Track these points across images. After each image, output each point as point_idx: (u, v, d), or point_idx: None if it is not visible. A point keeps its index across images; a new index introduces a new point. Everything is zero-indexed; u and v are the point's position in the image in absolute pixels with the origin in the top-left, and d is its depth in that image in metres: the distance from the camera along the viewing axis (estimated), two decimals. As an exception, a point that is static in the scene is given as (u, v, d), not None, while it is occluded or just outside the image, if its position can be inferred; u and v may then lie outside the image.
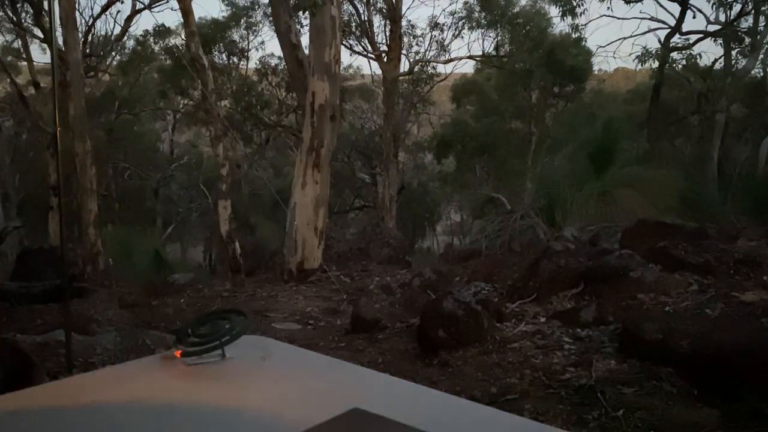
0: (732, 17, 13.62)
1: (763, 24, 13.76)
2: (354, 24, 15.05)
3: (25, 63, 15.97)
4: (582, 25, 14.63)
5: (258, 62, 17.86)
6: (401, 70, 15.32)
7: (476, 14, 15.31)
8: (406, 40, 15.68)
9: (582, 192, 7.22)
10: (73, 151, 8.43)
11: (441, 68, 16.59)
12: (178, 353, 1.20)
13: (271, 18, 13.22)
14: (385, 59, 14.71)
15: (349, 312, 5.58)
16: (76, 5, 11.03)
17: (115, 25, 16.24)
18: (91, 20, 15.44)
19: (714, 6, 13.37)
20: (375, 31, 15.17)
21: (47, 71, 15.17)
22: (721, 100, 13.52)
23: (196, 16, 9.38)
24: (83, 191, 8.69)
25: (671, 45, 13.86)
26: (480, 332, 4.23)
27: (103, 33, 16.51)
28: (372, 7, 15.07)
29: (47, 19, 12.58)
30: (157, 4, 15.35)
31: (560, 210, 7.20)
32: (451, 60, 16.09)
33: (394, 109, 15.03)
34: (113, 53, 17.38)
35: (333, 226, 11.94)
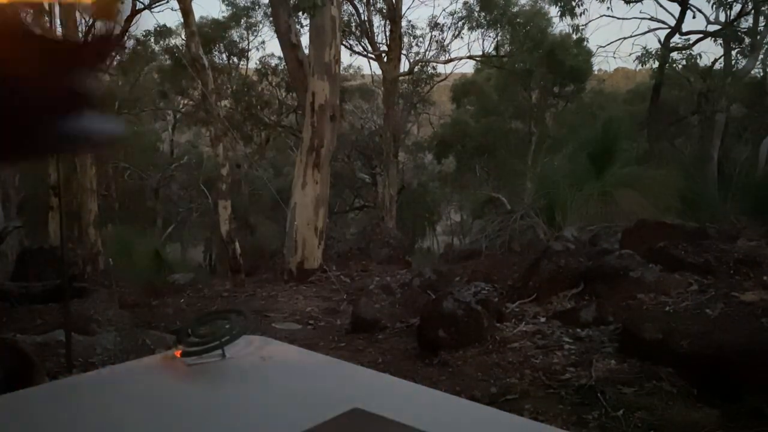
0: (732, 17, 13.62)
1: (763, 24, 13.77)
2: (354, 24, 15.05)
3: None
4: (582, 25, 14.65)
5: (258, 62, 17.88)
6: (401, 70, 15.33)
7: (476, 14, 15.31)
8: (406, 40, 15.70)
9: (582, 192, 7.22)
10: (73, 151, 8.42)
11: (441, 68, 16.61)
12: (178, 353, 1.20)
13: (271, 18, 13.23)
14: (385, 59, 14.71)
15: (349, 312, 5.58)
16: (76, 5, 11.02)
17: (115, 24, 16.22)
18: (91, 20, 15.43)
19: (714, 6, 13.38)
20: (375, 31, 15.19)
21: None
22: (721, 100, 13.52)
23: (196, 16, 9.39)
24: (83, 191, 8.69)
25: (671, 45, 13.86)
26: (480, 332, 4.23)
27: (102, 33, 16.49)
28: (372, 7, 15.08)
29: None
30: (157, 4, 15.33)
31: (560, 210, 7.20)
32: (451, 60, 16.11)
33: (394, 109, 15.03)
34: (113, 53, 17.35)
35: (333, 226, 11.94)
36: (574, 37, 14.65)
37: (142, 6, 15.35)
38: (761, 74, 15.00)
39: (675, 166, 10.54)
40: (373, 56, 15.48)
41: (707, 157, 12.90)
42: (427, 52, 16.28)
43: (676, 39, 14.02)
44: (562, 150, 10.90)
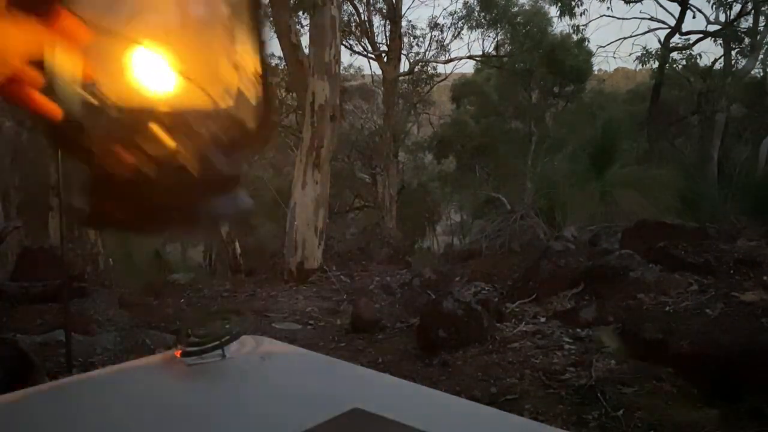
0: (732, 17, 13.63)
1: (763, 24, 13.77)
2: (354, 24, 15.04)
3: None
4: (582, 25, 14.64)
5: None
6: (401, 70, 15.33)
7: (476, 14, 15.31)
8: (406, 40, 15.69)
9: (582, 192, 7.22)
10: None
11: (441, 68, 16.61)
12: (178, 353, 1.20)
13: (271, 18, 13.23)
14: (385, 59, 14.71)
15: (349, 312, 5.58)
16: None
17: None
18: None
19: (714, 6, 13.39)
20: (375, 31, 15.19)
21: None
22: (721, 100, 13.52)
23: (196, 16, 9.36)
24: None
25: (671, 45, 13.87)
26: (480, 332, 4.23)
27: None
28: (372, 7, 15.08)
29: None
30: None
31: (560, 210, 7.21)
32: (451, 60, 16.11)
33: (394, 109, 15.04)
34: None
35: (333, 226, 11.94)
36: (575, 37, 14.66)
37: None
38: (761, 74, 15.02)
39: (675, 166, 10.54)
40: (373, 56, 15.48)
41: (707, 157, 12.89)
42: (427, 52, 16.29)
43: (676, 39, 14.03)
44: (562, 150, 10.92)
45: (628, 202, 7.23)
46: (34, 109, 0.55)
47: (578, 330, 4.23)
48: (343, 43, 13.74)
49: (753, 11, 13.38)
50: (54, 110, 0.54)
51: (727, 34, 13.38)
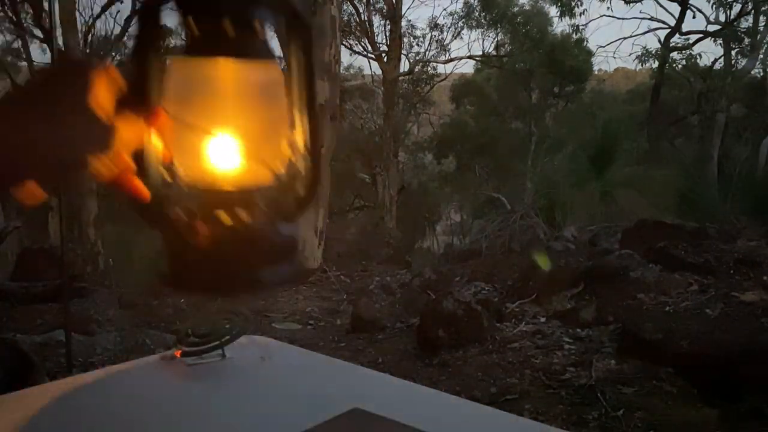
0: (732, 17, 13.62)
1: (763, 24, 13.76)
2: (354, 24, 15.04)
3: (25, 63, 15.95)
4: (582, 25, 14.65)
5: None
6: (401, 70, 15.32)
7: (476, 14, 15.31)
8: (406, 40, 15.68)
9: (582, 192, 7.22)
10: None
11: (441, 68, 16.60)
12: (178, 353, 1.20)
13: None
14: (385, 59, 14.71)
15: (349, 312, 5.58)
16: (76, 5, 11.03)
17: (115, 25, 16.22)
18: (91, 20, 15.41)
19: (714, 6, 13.39)
20: (375, 31, 15.18)
21: (47, 71, 15.12)
22: (721, 100, 13.52)
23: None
24: (83, 191, 8.69)
25: (671, 45, 13.86)
26: (480, 332, 4.23)
27: (103, 33, 16.49)
28: (372, 7, 15.08)
29: (47, 19, 12.58)
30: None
31: (560, 210, 7.21)
32: (451, 60, 16.11)
33: (394, 109, 15.03)
34: (113, 53, 17.36)
35: (333, 227, 11.93)
36: (575, 37, 14.65)
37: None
38: (761, 74, 15.00)
39: (675, 166, 10.54)
40: (373, 56, 15.48)
41: (707, 157, 12.89)
42: (427, 52, 16.29)
43: (676, 39, 14.03)
44: (562, 150, 10.92)
45: (628, 202, 7.24)
46: (130, 191, 0.62)
47: (578, 330, 4.23)
48: (343, 43, 13.74)
49: (753, 11, 13.39)
50: (144, 192, 0.63)
51: (727, 34, 13.38)
